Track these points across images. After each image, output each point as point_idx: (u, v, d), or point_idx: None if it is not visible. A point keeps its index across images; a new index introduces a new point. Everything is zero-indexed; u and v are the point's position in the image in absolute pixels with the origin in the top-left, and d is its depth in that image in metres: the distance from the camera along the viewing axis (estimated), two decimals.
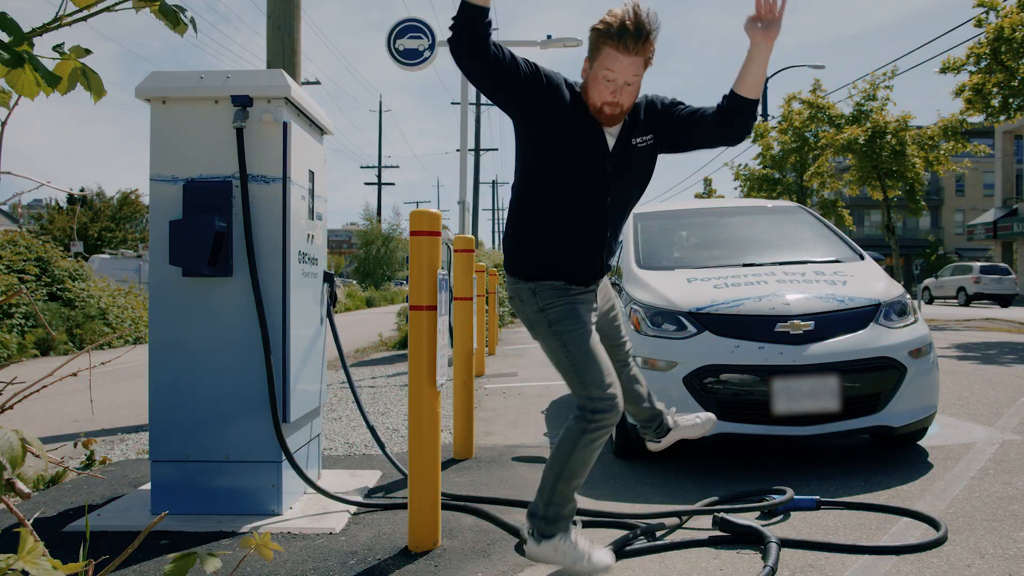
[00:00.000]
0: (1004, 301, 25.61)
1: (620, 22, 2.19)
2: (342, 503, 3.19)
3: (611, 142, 2.39)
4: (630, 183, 2.47)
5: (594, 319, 2.48)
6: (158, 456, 3.06)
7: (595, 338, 2.41)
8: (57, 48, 0.89)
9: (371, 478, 3.75)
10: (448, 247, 7.38)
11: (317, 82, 27.20)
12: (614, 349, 2.73)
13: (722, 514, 2.82)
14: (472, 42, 2.12)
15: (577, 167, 2.37)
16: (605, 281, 2.68)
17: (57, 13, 0.88)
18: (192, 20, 0.98)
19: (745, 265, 4.46)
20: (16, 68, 0.83)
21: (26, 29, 0.87)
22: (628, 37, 2.19)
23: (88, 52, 0.90)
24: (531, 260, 2.46)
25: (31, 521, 0.90)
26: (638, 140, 2.40)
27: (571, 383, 2.40)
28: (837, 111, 20.81)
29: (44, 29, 0.89)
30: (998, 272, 25.92)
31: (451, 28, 2.13)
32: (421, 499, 2.70)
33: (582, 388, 2.35)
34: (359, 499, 3.28)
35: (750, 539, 2.69)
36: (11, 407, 0.97)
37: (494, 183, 67.72)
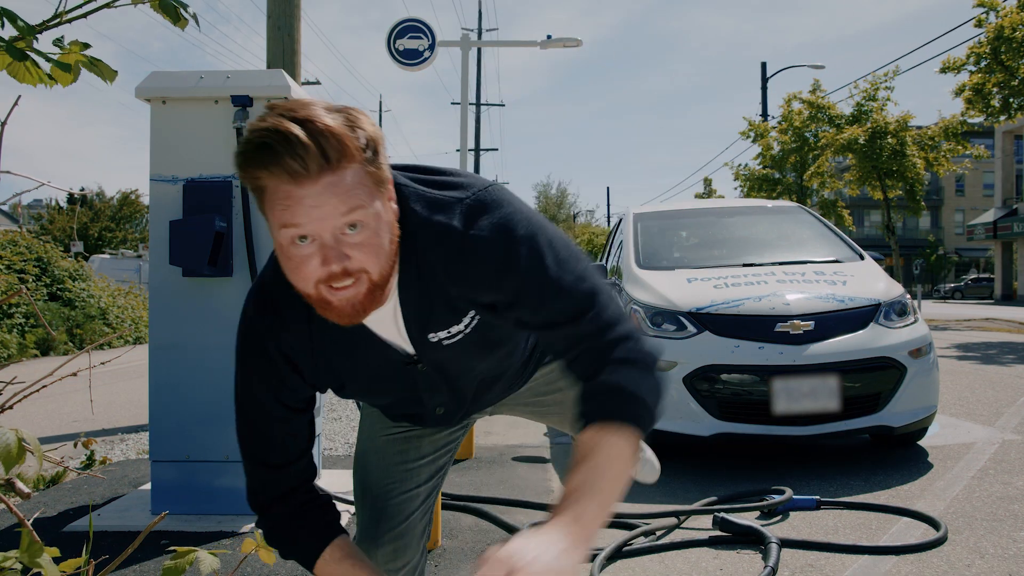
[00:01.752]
0: None
1: (257, 132, 0.95)
2: (342, 503, 3.19)
3: (397, 331, 1.24)
4: (472, 363, 1.33)
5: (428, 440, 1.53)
6: (158, 456, 3.06)
7: (382, 452, 1.53)
8: (57, 42, 0.89)
9: None
10: None
11: (317, 82, 27.16)
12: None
13: (722, 514, 2.82)
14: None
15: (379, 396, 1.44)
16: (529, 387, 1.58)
17: (57, 9, 0.88)
18: (195, 16, 0.97)
19: (745, 265, 4.46)
20: (21, 62, 0.83)
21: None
22: (290, 150, 0.93)
23: (87, 46, 0.90)
24: None
25: (31, 521, 0.90)
26: (440, 335, 1.22)
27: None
28: (837, 111, 20.80)
29: (44, 26, 0.89)
30: None
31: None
32: None
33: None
34: None
35: (750, 539, 2.69)
36: (11, 407, 0.97)
37: None
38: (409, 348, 1.25)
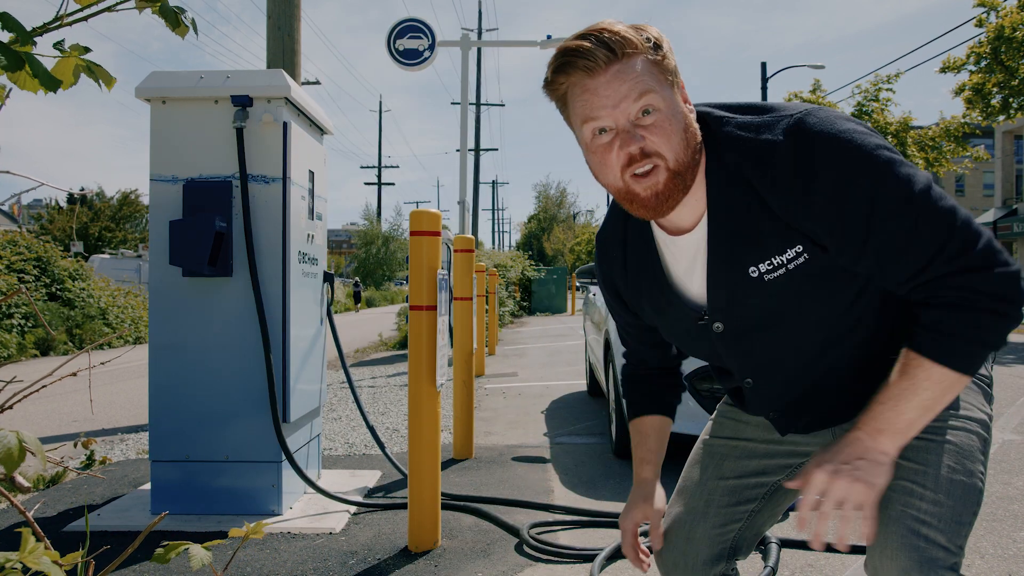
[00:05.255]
0: None
1: (562, 48, 1.16)
2: (342, 503, 3.19)
3: (693, 276, 1.27)
4: (781, 320, 1.22)
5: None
6: (158, 456, 3.06)
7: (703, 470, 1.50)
8: (57, 46, 0.89)
9: (371, 478, 3.75)
10: (448, 247, 7.38)
11: (317, 82, 27.15)
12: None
13: None
14: None
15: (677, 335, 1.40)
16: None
17: (58, 12, 0.88)
18: (193, 22, 0.97)
19: None
20: (17, 71, 0.83)
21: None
22: (581, 53, 1.11)
23: (88, 50, 0.90)
24: None
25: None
26: (760, 267, 1.17)
27: None
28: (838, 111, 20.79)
29: (44, 29, 0.89)
30: None
31: None
32: (421, 499, 2.70)
33: None
34: (359, 499, 3.28)
35: None
36: (11, 407, 0.97)
37: (494, 183, 67.83)
38: (701, 298, 1.27)
